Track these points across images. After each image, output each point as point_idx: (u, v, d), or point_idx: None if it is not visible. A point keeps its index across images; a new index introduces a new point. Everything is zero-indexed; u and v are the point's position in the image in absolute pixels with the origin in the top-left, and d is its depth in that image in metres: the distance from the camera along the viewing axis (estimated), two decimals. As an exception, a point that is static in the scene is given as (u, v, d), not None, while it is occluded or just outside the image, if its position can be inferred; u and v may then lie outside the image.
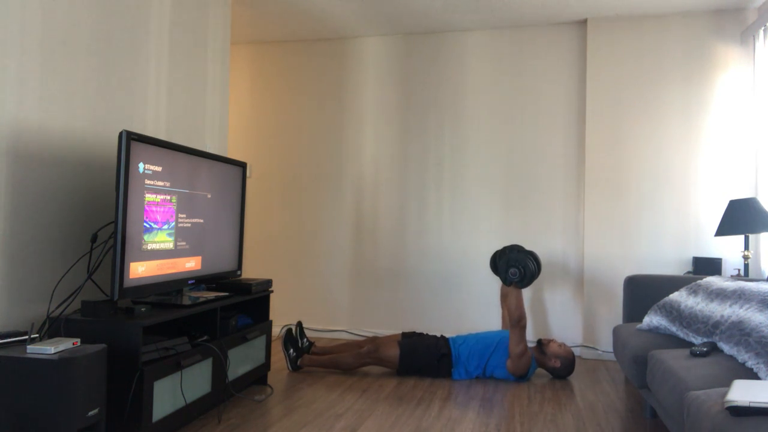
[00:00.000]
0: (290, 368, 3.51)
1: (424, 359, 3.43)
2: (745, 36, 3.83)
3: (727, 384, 1.91)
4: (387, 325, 4.51)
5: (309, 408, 2.85)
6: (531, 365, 3.41)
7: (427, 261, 4.46)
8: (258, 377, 3.13)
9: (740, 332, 2.17)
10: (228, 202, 3.07)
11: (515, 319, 3.37)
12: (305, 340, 3.61)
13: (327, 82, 4.70)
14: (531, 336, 4.23)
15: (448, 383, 3.35)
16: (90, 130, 2.58)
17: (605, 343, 4.04)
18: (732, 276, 3.34)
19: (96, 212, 2.62)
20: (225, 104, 3.72)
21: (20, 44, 2.22)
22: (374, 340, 3.63)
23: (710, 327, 2.41)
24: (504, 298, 3.54)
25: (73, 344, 1.94)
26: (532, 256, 3.49)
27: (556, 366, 3.45)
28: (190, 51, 3.33)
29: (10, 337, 1.98)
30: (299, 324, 3.62)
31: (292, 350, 3.52)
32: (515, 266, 3.43)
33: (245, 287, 3.01)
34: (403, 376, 3.46)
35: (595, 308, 4.06)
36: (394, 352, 3.45)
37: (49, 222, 2.36)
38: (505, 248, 3.67)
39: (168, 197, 2.53)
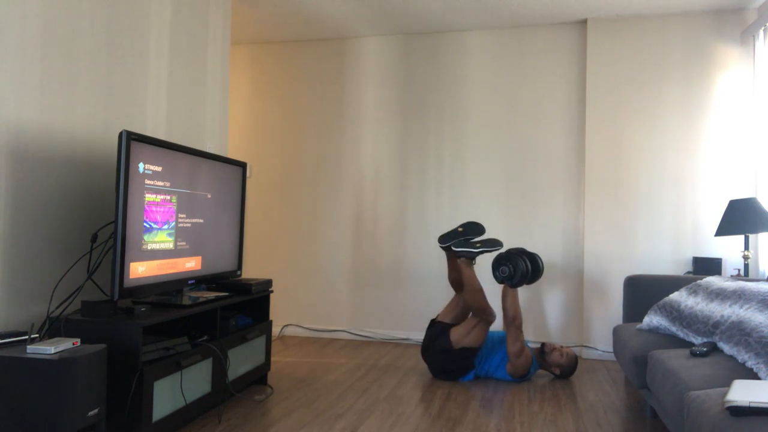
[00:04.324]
0: (456, 254, 3.47)
1: (458, 364, 3.40)
2: (745, 36, 3.83)
3: (727, 384, 1.91)
4: (387, 325, 4.51)
5: (309, 408, 2.85)
6: (532, 365, 3.41)
7: (427, 261, 4.46)
8: (258, 377, 3.13)
9: (740, 332, 2.17)
10: (228, 202, 3.07)
11: (510, 319, 3.38)
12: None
13: (327, 82, 4.70)
14: (532, 336, 4.23)
15: (448, 383, 3.35)
16: (90, 129, 2.58)
17: (605, 343, 4.04)
18: (732, 276, 3.34)
19: (96, 212, 2.62)
20: (225, 104, 3.72)
21: (20, 44, 2.22)
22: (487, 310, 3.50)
23: (710, 327, 2.41)
24: (502, 298, 3.54)
25: (73, 344, 1.94)
26: (527, 257, 3.48)
27: (555, 373, 3.48)
28: (190, 51, 3.33)
29: (10, 337, 1.98)
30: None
31: (478, 249, 3.45)
32: (506, 265, 3.43)
33: (245, 287, 3.01)
34: (424, 358, 3.45)
35: (595, 308, 4.06)
36: (481, 336, 3.38)
37: (49, 222, 2.36)
38: (510, 250, 3.67)
39: (168, 197, 2.53)
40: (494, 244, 3.45)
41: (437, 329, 3.47)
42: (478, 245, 3.45)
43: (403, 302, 4.49)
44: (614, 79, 4.08)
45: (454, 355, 3.38)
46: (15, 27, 2.19)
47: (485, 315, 3.37)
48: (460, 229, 3.53)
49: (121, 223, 2.21)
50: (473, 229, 3.54)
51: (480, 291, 3.40)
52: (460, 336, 3.38)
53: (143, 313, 2.30)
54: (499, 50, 4.38)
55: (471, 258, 3.48)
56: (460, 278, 3.57)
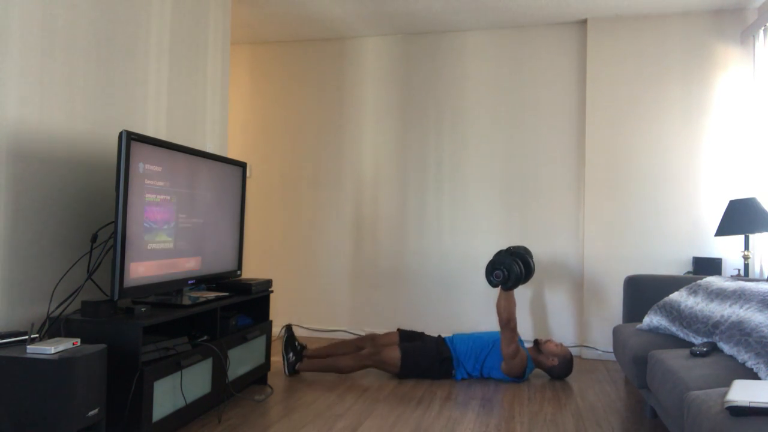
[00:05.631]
0: (287, 372, 3.45)
1: (426, 363, 3.41)
2: (745, 36, 3.83)
3: (727, 384, 1.91)
4: (387, 325, 4.51)
5: (309, 408, 2.85)
6: (527, 366, 3.41)
7: (427, 261, 4.46)
8: (258, 377, 3.13)
9: (740, 332, 2.17)
10: (228, 202, 3.07)
11: (504, 321, 3.36)
12: (297, 343, 3.57)
13: (327, 82, 4.70)
14: (530, 336, 4.23)
15: (448, 383, 3.35)
16: (90, 130, 2.58)
17: (605, 343, 4.04)
18: (732, 276, 3.34)
19: (96, 212, 2.62)
20: (225, 104, 3.72)
21: (20, 44, 2.21)
22: (374, 340, 3.61)
23: (710, 327, 2.41)
24: (497, 301, 3.53)
25: (73, 344, 1.94)
26: (521, 259, 3.47)
27: (553, 364, 3.44)
28: (190, 51, 3.33)
29: (10, 337, 1.98)
30: (290, 327, 3.55)
31: (291, 354, 3.47)
32: (500, 269, 3.41)
33: (245, 287, 3.01)
34: (404, 379, 3.46)
35: (595, 308, 4.06)
36: (395, 355, 3.41)
37: (49, 222, 2.36)
38: (509, 248, 3.66)
39: (168, 197, 2.53)
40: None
41: None
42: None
43: (403, 302, 4.49)
44: (614, 79, 4.08)
45: (407, 366, 3.40)
46: (15, 27, 2.19)
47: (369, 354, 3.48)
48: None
49: (121, 223, 2.21)
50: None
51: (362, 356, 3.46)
52: (384, 366, 3.42)
53: (143, 313, 2.30)
54: (499, 50, 4.38)
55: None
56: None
